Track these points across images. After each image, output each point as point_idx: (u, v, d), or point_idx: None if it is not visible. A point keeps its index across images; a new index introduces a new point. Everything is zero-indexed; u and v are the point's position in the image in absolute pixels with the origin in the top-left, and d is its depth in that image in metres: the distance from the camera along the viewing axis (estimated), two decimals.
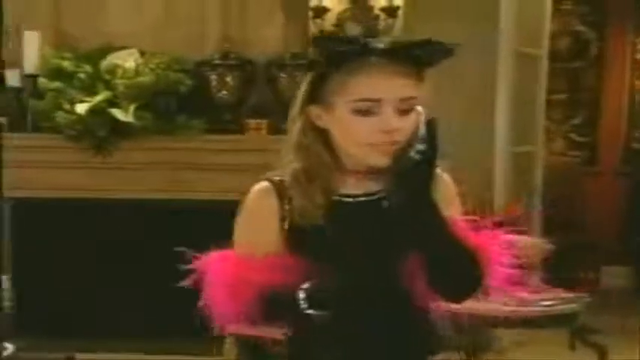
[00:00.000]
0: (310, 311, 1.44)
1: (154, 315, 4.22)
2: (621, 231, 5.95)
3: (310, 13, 4.43)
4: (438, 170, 1.49)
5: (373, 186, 1.52)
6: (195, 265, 1.49)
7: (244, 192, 1.54)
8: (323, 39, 1.46)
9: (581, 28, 6.17)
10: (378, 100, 1.47)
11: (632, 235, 5.65)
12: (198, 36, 4.46)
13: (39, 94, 4.33)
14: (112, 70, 4.30)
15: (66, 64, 4.33)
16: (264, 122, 4.27)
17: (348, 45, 1.49)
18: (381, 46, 1.49)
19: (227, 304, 1.46)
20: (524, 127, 4.71)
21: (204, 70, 4.36)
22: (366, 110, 1.47)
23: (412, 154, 1.45)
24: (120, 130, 4.21)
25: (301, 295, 1.44)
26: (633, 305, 5.02)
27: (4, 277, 3.47)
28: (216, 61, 4.35)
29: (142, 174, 4.30)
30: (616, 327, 4.25)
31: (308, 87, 1.53)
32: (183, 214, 4.24)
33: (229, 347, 3.32)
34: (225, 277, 1.47)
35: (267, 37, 4.39)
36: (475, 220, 1.53)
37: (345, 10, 4.50)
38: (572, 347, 3.71)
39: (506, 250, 1.53)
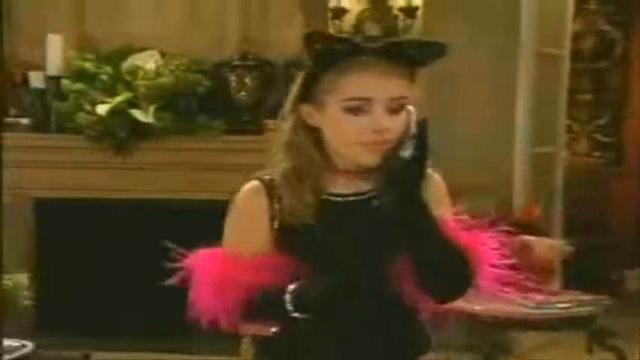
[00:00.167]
0: (296, 314, 1.46)
1: (174, 315, 4.24)
2: None
3: (329, 14, 4.44)
4: (429, 170, 1.49)
5: (364, 185, 1.53)
6: (184, 262, 1.50)
7: (234, 191, 1.55)
8: (314, 38, 1.46)
9: (606, 27, 6.10)
10: (368, 99, 1.47)
11: None
12: (219, 37, 4.49)
13: (62, 96, 4.38)
14: (133, 72, 4.34)
15: (88, 65, 4.38)
16: None
17: (338, 44, 1.49)
18: (372, 45, 1.49)
19: (213, 302, 1.47)
20: (546, 128, 4.68)
21: (223, 71, 4.39)
22: (356, 109, 1.47)
23: (402, 153, 1.45)
24: (140, 130, 4.25)
25: (287, 298, 1.45)
26: None
27: (24, 276, 3.51)
28: (236, 62, 4.38)
29: (162, 174, 4.34)
30: (635, 330, 4.18)
31: (300, 86, 1.54)
32: (203, 214, 4.26)
33: (246, 347, 3.34)
34: (212, 275, 1.48)
35: (287, 38, 4.40)
36: (465, 220, 1.52)
37: (363, 11, 4.50)
38: (590, 350, 3.67)
39: (497, 250, 1.52)
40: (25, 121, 4.44)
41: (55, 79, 4.40)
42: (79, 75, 4.38)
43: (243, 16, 4.48)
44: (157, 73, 4.30)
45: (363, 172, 1.51)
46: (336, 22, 4.43)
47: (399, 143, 1.46)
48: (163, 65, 4.33)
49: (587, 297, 3.61)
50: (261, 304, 1.48)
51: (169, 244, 1.56)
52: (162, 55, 4.39)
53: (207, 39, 4.47)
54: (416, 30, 4.39)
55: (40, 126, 4.42)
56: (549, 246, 3.79)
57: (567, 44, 4.82)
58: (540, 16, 4.48)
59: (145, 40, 4.44)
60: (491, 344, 3.84)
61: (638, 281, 5.74)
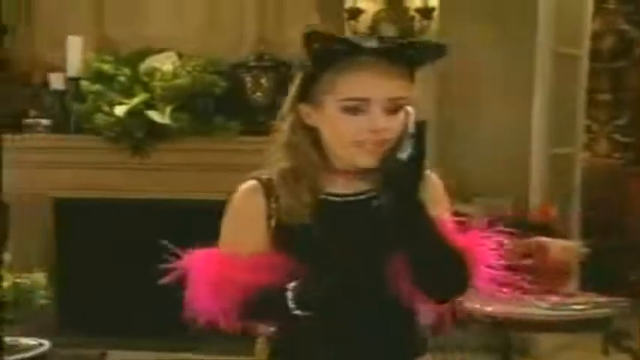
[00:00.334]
0: (297, 311, 1.46)
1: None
2: None
3: (345, 15, 4.44)
4: (427, 171, 1.49)
5: (362, 185, 1.53)
6: (181, 262, 1.52)
7: (232, 191, 1.56)
8: (312, 37, 1.46)
9: (625, 27, 6.04)
10: (366, 100, 1.47)
11: None
12: (236, 39, 4.51)
13: (81, 97, 4.43)
14: (151, 73, 4.38)
15: (106, 67, 4.43)
16: None
17: (337, 44, 1.49)
18: (370, 45, 1.49)
19: (210, 302, 1.48)
20: (564, 129, 4.64)
21: (239, 72, 4.41)
22: (354, 108, 1.47)
23: (400, 154, 1.45)
24: (157, 131, 4.29)
25: (289, 294, 1.46)
26: None
27: (42, 275, 3.56)
28: (252, 63, 4.39)
29: (178, 175, 4.37)
30: None
31: (298, 85, 1.54)
32: (220, 215, 4.28)
33: (261, 347, 3.35)
34: (209, 275, 1.49)
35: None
36: (463, 221, 1.52)
37: (379, 12, 4.50)
38: (606, 352, 3.64)
39: (494, 251, 1.51)
40: (45, 122, 4.49)
41: (75, 81, 4.45)
42: (98, 76, 4.42)
43: (259, 17, 4.50)
44: (174, 75, 4.33)
45: (362, 172, 1.51)
46: (352, 22, 4.43)
47: (398, 144, 1.46)
48: (180, 66, 4.36)
49: (603, 299, 3.58)
50: (262, 302, 1.48)
51: (172, 245, 1.57)
52: (180, 56, 4.42)
53: (225, 40, 4.49)
54: (432, 31, 4.38)
55: (59, 127, 4.48)
56: (565, 247, 3.77)
57: (586, 44, 4.78)
58: (558, 16, 4.45)
59: (164, 42, 4.47)
60: (506, 345, 3.83)
61: None
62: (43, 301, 3.49)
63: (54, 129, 4.49)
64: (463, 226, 1.52)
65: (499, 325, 3.58)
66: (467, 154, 4.50)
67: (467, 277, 1.50)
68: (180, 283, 1.53)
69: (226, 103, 4.35)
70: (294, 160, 1.53)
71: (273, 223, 1.52)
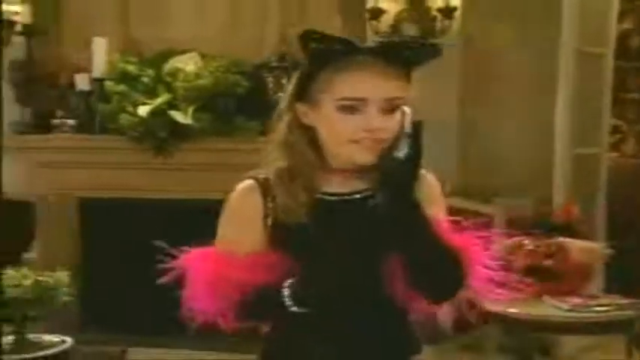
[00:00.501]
0: (294, 308, 1.46)
1: None
2: None
3: (367, 15, 4.44)
4: (422, 171, 1.50)
5: (359, 185, 1.53)
6: (177, 261, 1.53)
7: (229, 191, 1.57)
8: (309, 37, 1.47)
9: None
10: (363, 99, 1.47)
11: None
12: (259, 39, 4.53)
13: (106, 98, 4.48)
14: (174, 74, 4.41)
15: (130, 68, 4.47)
16: None
17: (334, 43, 1.49)
18: (367, 45, 1.50)
19: (207, 301, 1.49)
20: (589, 128, 4.59)
21: (261, 73, 4.43)
22: (350, 108, 1.48)
23: (397, 153, 1.45)
24: (179, 131, 4.32)
25: (285, 292, 1.47)
26: None
27: (64, 273, 3.61)
28: (273, 64, 4.41)
29: (201, 175, 4.40)
30: None
31: (296, 84, 1.55)
32: None
33: None
34: (206, 274, 1.50)
35: None
36: (458, 221, 1.52)
37: (401, 12, 4.49)
38: (629, 354, 3.58)
39: (489, 251, 1.51)
40: (71, 122, 4.55)
41: (100, 82, 4.51)
42: (122, 77, 4.47)
43: (281, 17, 4.51)
44: (197, 75, 4.37)
45: (358, 171, 1.52)
46: (374, 22, 4.43)
47: (394, 143, 1.46)
48: (203, 67, 4.40)
49: (626, 301, 3.53)
50: (258, 300, 1.48)
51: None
52: (202, 57, 4.46)
53: (247, 41, 4.52)
54: (454, 31, 4.36)
55: (84, 127, 4.53)
56: (587, 249, 3.71)
57: (612, 42, 4.72)
58: (582, 14, 4.40)
59: (187, 43, 4.51)
60: (528, 347, 3.80)
61: None
62: (65, 299, 3.54)
63: (79, 129, 4.54)
64: (459, 225, 1.51)
65: (520, 326, 3.55)
66: (489, 154, 4.48)
67: (462, 276, 1.49)
68: (179, 283, 1.54)
69: (248, 103, 4.37)
70: (290, 159, 1.54)
71: (269, 222, 1.53)
